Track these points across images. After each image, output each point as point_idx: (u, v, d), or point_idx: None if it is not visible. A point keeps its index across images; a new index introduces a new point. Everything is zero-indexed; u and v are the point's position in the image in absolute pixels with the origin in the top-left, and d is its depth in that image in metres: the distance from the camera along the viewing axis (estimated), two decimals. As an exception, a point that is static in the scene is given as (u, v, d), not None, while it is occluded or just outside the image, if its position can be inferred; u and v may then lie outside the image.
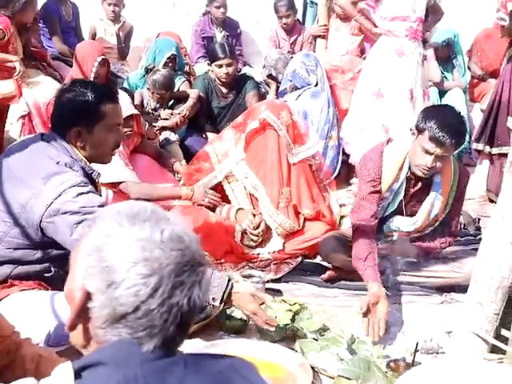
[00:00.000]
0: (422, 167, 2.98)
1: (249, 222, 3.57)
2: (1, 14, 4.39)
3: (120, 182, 3.58)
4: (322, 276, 3.41)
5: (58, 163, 2.36)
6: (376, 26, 4.81)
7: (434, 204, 3.20)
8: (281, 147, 3.64)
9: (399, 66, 4.66)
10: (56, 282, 2.37)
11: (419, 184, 3.18)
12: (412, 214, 3.24)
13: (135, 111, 3.86)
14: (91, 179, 2.49)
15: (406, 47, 4.66)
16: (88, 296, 1.05)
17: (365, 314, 2.73)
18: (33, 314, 2.34)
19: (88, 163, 2.50)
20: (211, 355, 1.15)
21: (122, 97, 3.90)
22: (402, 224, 3.25)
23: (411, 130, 3.05)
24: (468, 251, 3.40)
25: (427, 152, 2.93)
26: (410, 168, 3.11)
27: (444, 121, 2.89)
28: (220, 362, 1.12)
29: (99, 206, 2.27)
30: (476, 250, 3.61)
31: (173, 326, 1.05)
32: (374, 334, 2.68)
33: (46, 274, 2.45)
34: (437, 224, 3.27)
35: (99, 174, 2.56)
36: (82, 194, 2.29)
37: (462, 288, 3.10)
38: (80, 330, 1.10)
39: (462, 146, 5.29)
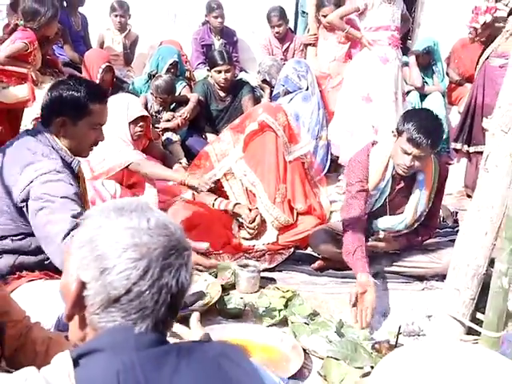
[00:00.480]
0: (402, 166, 2.99)
1: (245, 216, 3.57)
2: (27, 28, 4.41)
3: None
4: (312, 265, 3.41)
5: (34, 153, 2.36)
6: None
7: (419, 200, 3.19)
8: (278, 147, 3.64)
9: (384, 71, 4.71)
10: (60, 271, 2.36)
11: (403, 182, 3.18)
12: (396, 209, 3.23)
13: (146, 113, 3.84)
14: (71, 169, 2.47)
15: (390, 54, 4.72)
16: (83, 285, 1.05)
17: (354, 304, 2.72)
18: (43, 301, 2.33)
19: (68, 152, 2.48)
20: (202, 343, 1.15)
21: (134, 100, 3.92)
22: (392, 223, 3.23)
23: (393, 132, 3.06)
24: (446, 242, 3.41)
25: (405, 152, 2.93)
26: (394, 168, 3.11)
27: (421, 123, 2.89)
28: (210, 348, 1.11)
29: (62, 197, 2.27)
30: (454, 240, 3.66)
31: (163, 307, 1.05)
32: (362, 322, 2.68)
33: (46, 263, 2.43)
34: (422, 219, 3.26)
35: (79, 162, 2.54)
36: (50, 181, 2.29)
37: (440, 276, 3.12)
38: (76, 321, 1.09)
39: (441, 146, 5.35)
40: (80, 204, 2.38)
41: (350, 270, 3.00)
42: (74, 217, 2.29)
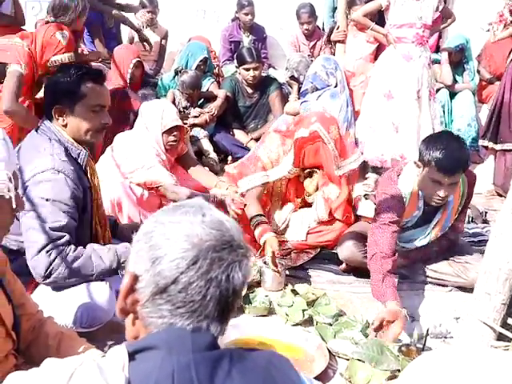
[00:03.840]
0: (436, 198, 2.83)
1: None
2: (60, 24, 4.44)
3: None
4: (340, 267, 3.32)
5: (37, 151, 2.34)
6: None
7: (447, 217, 3.07)
8: (328, 159, 3.38)
9: (407, 69, 4.62)
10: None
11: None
12: (423, 225, 3.11)
13: (180, 123, 3.71)
14: (78, 163, 2.42)
15: (414, 52, 4.62)
16: (135, 278, 1.04)
17: (375, 329, 2.48)
18: (67, 298, 2.34)
19: (75, 144, 2.42)
20: (251, 350, 1.10)
21: (169, 108, 3.77)
22: (414, 238, 3.13)
23: (415, 163, 2.90)
24: (475, 256, 3.20)
25: (437, 182, 2.78)
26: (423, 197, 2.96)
27: (448, 149, 2.72)
28: (260, 357, 1.08)
29: (53, 201, 2.25)
30: (482, 241, 3.60)
31: (211, 303, 1.02)
32: None
33: None
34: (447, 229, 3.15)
35: (86, 153, 2.46)
36: (43, 181, 2.26)
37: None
38: (130, 318, 1.08)
39: (470, 144, 5.25)
40: (72, 210, 2.32)
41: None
42: (55, 229, 2.27)
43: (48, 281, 2.27)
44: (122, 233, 2.88)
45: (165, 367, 0.97)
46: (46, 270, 2.25)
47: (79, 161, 2.43)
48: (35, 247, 2.25)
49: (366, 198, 3.51)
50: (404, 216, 2.99)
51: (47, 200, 2.26)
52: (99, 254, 2.38)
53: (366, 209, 3.45)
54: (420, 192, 2.96)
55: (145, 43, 5.48)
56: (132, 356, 0.99)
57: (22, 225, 2.29)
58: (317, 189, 3.52)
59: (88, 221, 2.50)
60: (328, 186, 3.46)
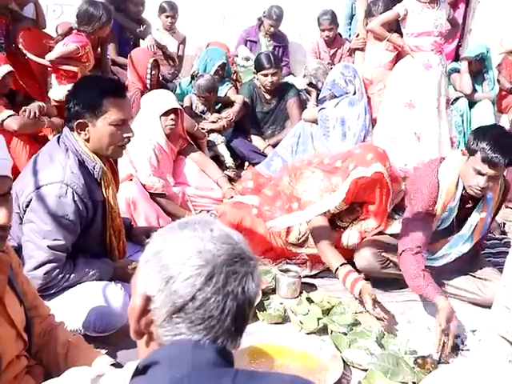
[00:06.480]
0: (476, 188, 2.79)
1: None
2: (81, 33, 4.54)
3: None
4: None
5: (51, 160, 2.34)
6: None
7: (486, 219, 3.01)
8: (383, 198, 3.21)
9: (427, 78, 4.63)
10: None
11: (471, 201, 2.99)
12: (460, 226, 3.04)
13: (177, 106, 3.87)
14: (92, 176, 2.39)
15: (433, 60, 4.65)
16: (148, 299, 1.03)
17: (444, 330, 2.57)
18: (83, 302, 2.35)
19: (91, 156, 2.39)
20: (268, 373, 1.08)
21: (167, 93, 4.01)
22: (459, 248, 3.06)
23: (462, 151, 2.89)
24: (495, 272, 3.13)
25: (479, 173, 2.74)
26: (464, 188, 2.90)
27: (496, 141, 2.69)
28: (276, 380, 1.04)
29: (54, 218, 2.25)
30: (501, 253, 3.54)
31: (229, 317, 1.01)
32: (446, 350, 2.56)
33: None
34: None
35: (101, 167, 2.41)
36: (48, 195, 2.25)
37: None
38: (144, 339, 1.07)
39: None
40: (73, 225, 2.32)
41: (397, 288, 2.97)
42: (54, 248, 2.29)
43: (41, 293, 2.26)
44: (136, 237, 2.89)
45: (159, 382, 0.96)
46: (42, 286, 2.29)
47: (94, 174, 2.40)
48: (32, 263, 2.28)
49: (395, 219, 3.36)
50: (441, 209, 2.93)
51: (50, 215, 2.26)
52: (91, 267, 2.45)
53: (396, 228, 3.27)
54: (459, 184, 2.91)
55: (169, 60, 5.56)
56: (143, 371, 0.99)
57: (24, 233, 2.31)
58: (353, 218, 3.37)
59: (98, 233, 2.49)
60: (366, 221, 3.31)
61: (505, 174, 2.95)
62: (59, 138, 2.44)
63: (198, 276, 1.00)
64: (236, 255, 1.03)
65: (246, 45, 6.35)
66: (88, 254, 2.48)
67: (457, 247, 3.05)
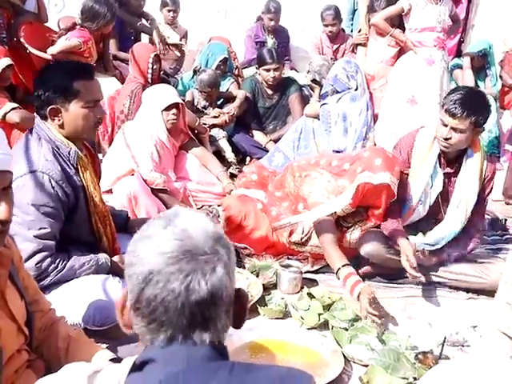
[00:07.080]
0: (441, 138, 2.95)
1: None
2: (84, 28, 4.54)
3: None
4: (360, 270, 3.16)
5: (24, 152, 2.32)
6: None
7: (471, 187, 3.06)
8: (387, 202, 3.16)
9: (430, 73, 4.64)
10: None
11: (450, 168, 3.11)
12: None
13: (179, 100, 3.86)
14: (69, 161, 2.37)
15: (435, 56, 4.66)
16: (127, 294, 1.08)
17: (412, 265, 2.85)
18: (82, 296, 2.34)
19: (65, 142, 2.37)
20: (265, 365, 1.07)
21: (168, 88, 3.98)
22: (442, 234, 3.13)
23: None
24: (494, 255, 3.25)
25: (444, 124, 2.92)
26: (440, 152, 3.06)
27: (461, 95, 2.88)
28: (272, 372, 1.04)
29: (34, 206, 2.24)
30: (502, 249, 3.54)
31: (175, 315, 1.00)
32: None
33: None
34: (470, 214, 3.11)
35: (76, 152, 2.39)
36: (23, 186, 2.23)
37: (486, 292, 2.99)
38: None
39: (491, 151, 5.17)
40: (56, 212, 2.31)
41: (399, 278, 3.04)
42: (41, 237, 2.28)
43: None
44: (132, 228, 2.88)
45: (153, 379, 0.97)
46: (35, 277, 2.26)
47: (70, 159, 2.38)
48: (22, 255, 2.25)
49: None
50: (418, 163, 3.10)
51: (31, 205, 2.24)
52: (82, 261, 2.43)
53: None
54: (434, 146, 3.07)
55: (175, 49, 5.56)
56: (140, 367, 1.01)
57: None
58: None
59: (84, 219, 2.48)
60: (369, 222, 3.28)
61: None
62: (31, 129, 2.42)
63: (141, 274, 1.01)
64: (184, 252, 1.01)
65: (256, 45, 6.23)
66: (78, 244, 2.48)
67: (449, 226, 3.11)
